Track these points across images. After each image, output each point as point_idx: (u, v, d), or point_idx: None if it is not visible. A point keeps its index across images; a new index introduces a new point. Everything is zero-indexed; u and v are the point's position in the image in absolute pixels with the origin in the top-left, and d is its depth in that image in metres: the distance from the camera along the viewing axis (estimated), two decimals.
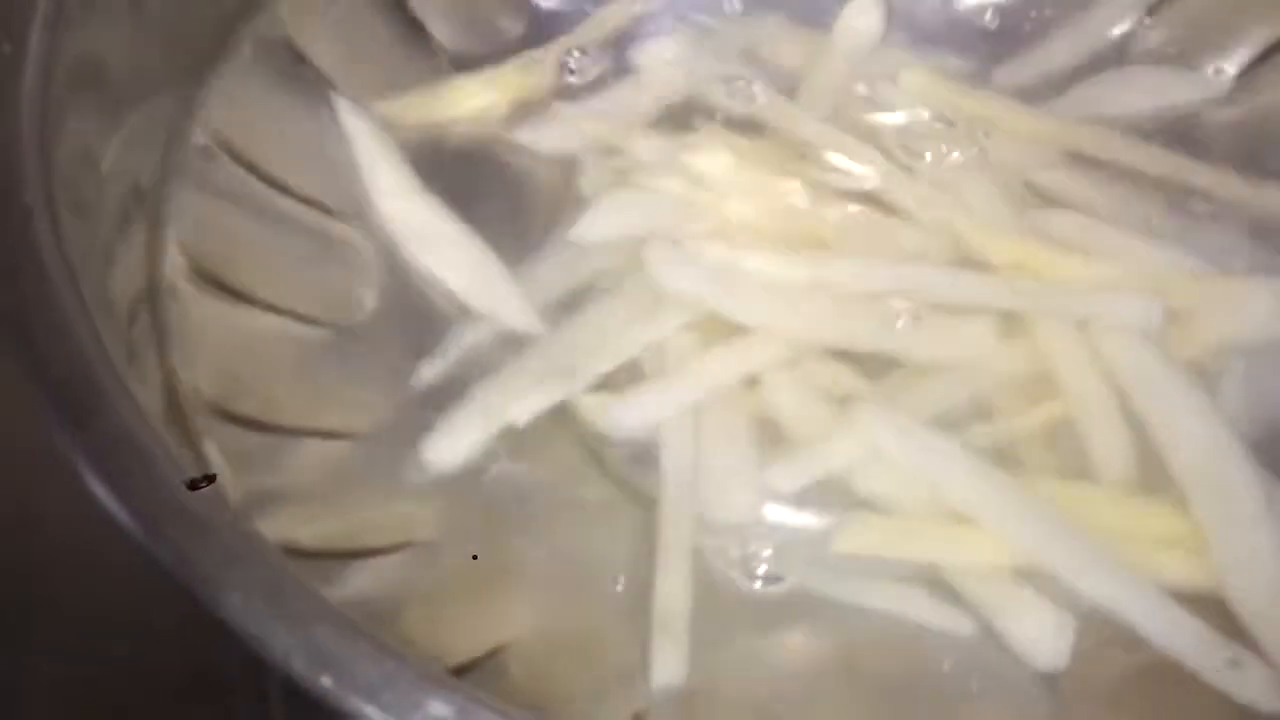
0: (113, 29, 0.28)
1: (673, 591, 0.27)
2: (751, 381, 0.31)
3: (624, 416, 0.30)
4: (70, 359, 0.20)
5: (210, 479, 0.31)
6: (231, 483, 0.24)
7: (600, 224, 0.33)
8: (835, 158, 0.35)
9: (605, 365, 0.31)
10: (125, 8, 0.28)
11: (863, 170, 0.34)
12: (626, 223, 0.33)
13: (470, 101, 0.36)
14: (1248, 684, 0.26)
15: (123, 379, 0.21)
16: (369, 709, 0.17)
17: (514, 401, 0.30)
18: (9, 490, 0.35)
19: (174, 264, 0.29)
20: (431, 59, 0.37)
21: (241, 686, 0.32)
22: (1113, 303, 0.31)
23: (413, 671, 0.18)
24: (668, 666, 0.26)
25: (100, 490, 0.19)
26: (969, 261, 0.33)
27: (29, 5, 0.25)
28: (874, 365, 0.31)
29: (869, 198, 0.34)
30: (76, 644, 0.33)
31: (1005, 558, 0.28)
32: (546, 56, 0.37)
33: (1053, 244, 0.33)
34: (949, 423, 0.30)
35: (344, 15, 0.36)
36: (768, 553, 0.29)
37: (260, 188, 0.33)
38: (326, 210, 0.33)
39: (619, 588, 0.29)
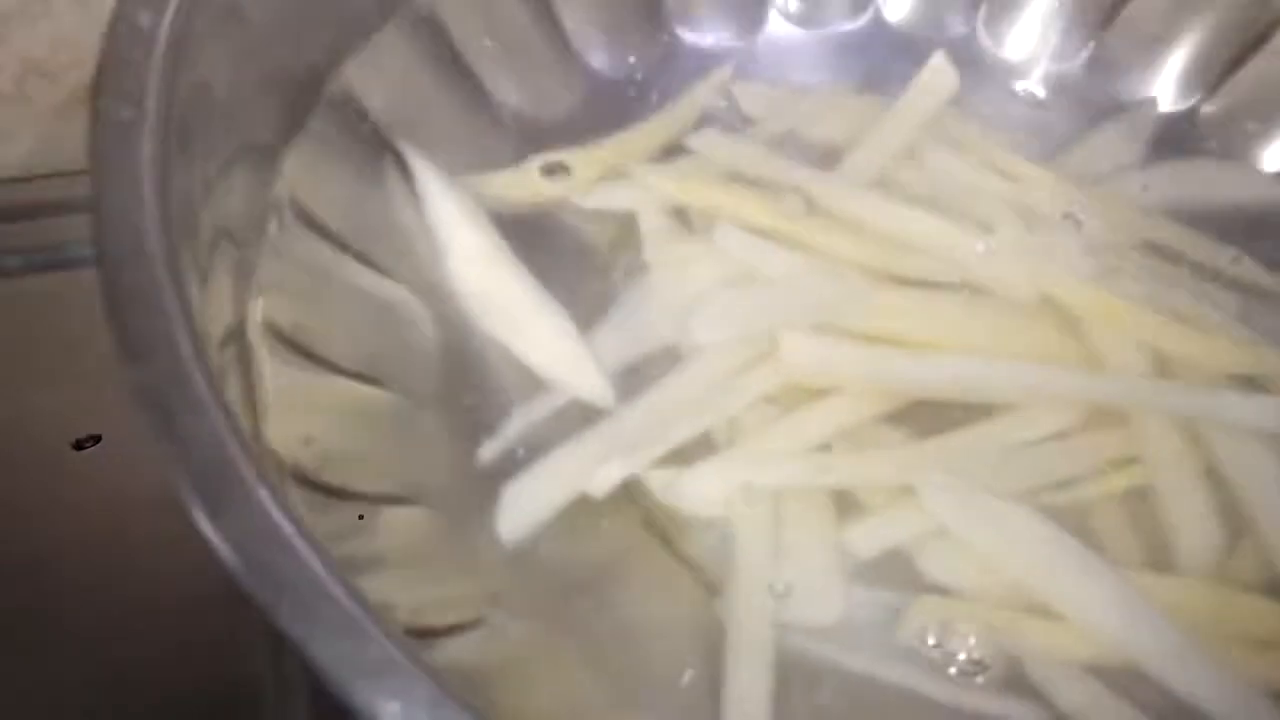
0: (209, 89, 0.27)
1: (750, 689, 0.27)
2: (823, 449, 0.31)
3: (695, 489, 0.30)
4: (208, 442, 0.20)
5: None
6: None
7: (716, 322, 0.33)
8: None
9: (679, 436, 0.31)
10: (226, 63, 0.28)
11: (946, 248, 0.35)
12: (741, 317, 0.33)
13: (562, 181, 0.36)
14: None
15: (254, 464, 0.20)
16: None
17: (587, 472, 0.30)
18: (15, 494, 0.35)
19: (252, 320, 0.29)
20: (492, 120, 0.37)
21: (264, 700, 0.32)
22: (1236, 404, 0.32)
23: None
24: None
25: (245, 579, 0.19)
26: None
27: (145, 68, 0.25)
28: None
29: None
30: (82, 653, 0.32)
31: (1086, 648, 0.28)
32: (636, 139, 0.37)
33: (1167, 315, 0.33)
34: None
35: (401, 72, 0.36)
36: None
37: (325, 247, 0.32)
38: (390, 274, 0.33)
39: (685, 681, 0.28)
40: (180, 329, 0.22)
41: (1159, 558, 0.30)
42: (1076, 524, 0.30)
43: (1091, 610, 0.28)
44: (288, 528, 0.20)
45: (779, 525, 0.30)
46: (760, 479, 0.30)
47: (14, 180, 0.44)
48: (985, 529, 0.29)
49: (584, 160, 0.36)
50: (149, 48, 0.25)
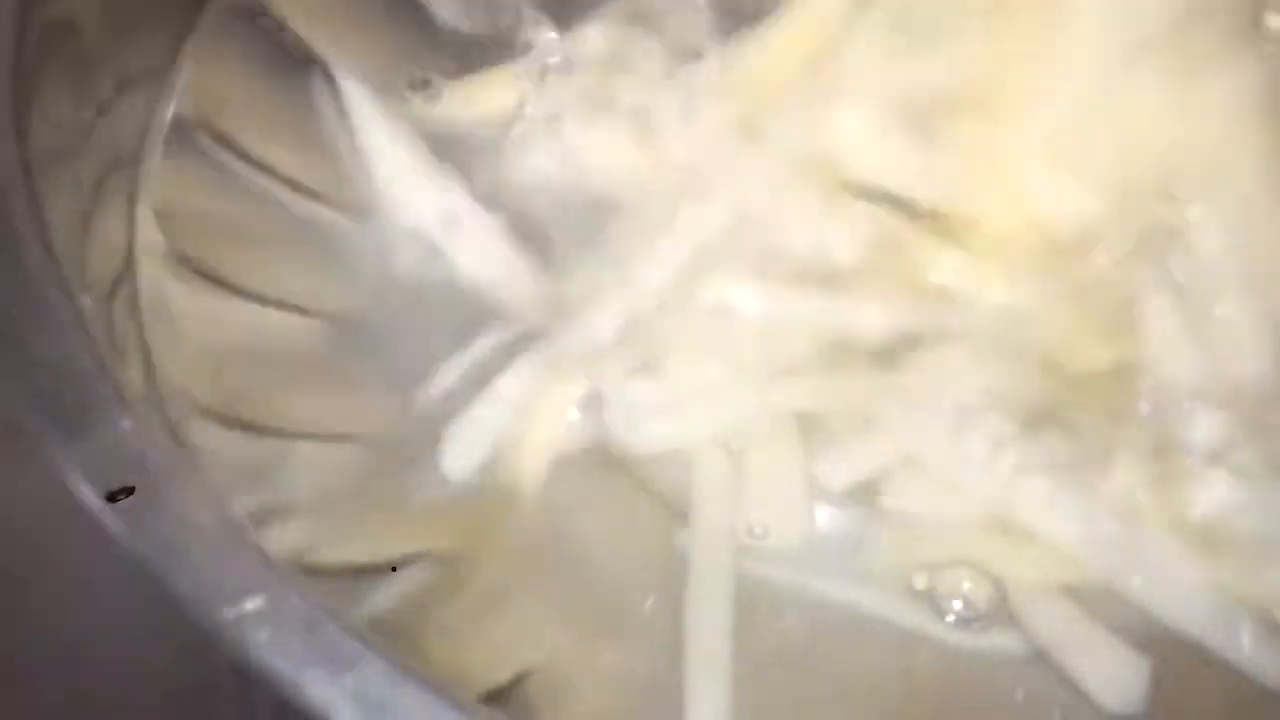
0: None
1: (711, 622, 0.25)
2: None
3: (657, 428, 0.28)
4: (61, 362, 0.18)
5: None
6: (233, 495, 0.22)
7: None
8: None
9: (627, 360, 0.28)
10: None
11: None
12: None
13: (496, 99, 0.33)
14: None
15: (117, 385, 0.18)
16: None
17: (535, 395, 0.28)
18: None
19: (151, 245, 0.27)
20: (427, 36, 0.35)
21: (229, 696, 0.29)
22: None
23: None
24: (711, 706, 0.24)
25: (105, 518, 0.17)
26: None
27: None
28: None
29: None
30: (63, 654, 0.30)
31: (1062, 571, 0.26)
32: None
33: None
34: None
35: None
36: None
37: (241, 166, 0.30)
38: (314, 194, 0.31)
39: (646, 608, 0.26)
40: (35, 253, 0.19)
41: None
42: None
43: (1065, 530, 0.26)
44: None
45: (742, 456, 0.28)
46: (721, 415, 0.28)
47: None
48: (951, 454, 0.27)
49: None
50: None
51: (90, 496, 0.17)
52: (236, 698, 0.29)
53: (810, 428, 0.28)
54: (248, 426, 0.25)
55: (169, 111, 0.28)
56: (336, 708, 0.16)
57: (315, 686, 0.16)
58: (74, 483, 0.17)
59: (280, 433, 0.26)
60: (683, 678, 0.25)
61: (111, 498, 0.19)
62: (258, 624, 0.16)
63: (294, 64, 0.32)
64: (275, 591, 0.16)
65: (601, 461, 0.28)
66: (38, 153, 0.22)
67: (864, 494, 0.27)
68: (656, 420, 0.28)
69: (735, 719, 0.24)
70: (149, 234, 0.26)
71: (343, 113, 0.31)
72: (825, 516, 0.27)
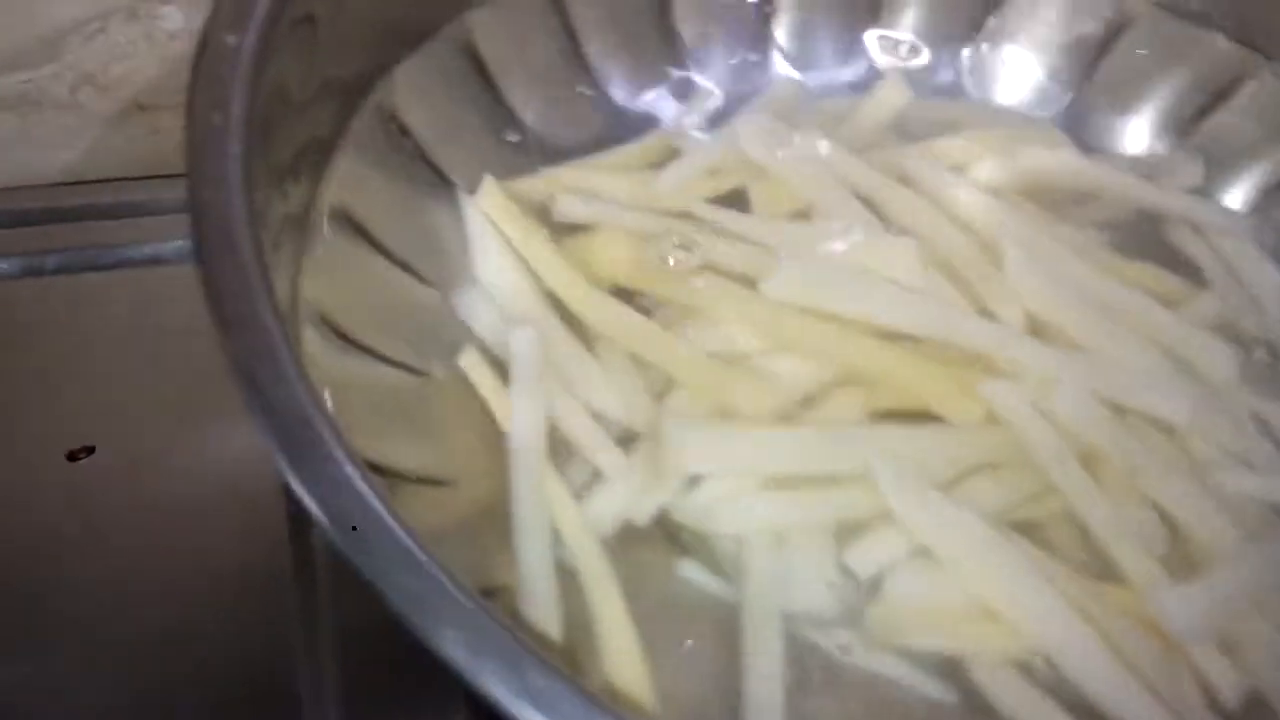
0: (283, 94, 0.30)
1: (768, 679, 0.30)
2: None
3: (723, 520, 0.33)
4: (293, 411, 0.23)
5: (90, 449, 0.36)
6: None
7: None
8: None
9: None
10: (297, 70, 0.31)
11: None
12: None
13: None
14: None
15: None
16: None
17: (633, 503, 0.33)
18: (15, 498, 0.37)
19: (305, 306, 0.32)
20: (519, 145, 0.41)
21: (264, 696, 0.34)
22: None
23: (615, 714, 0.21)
24: None
25: (324, 523, 0.22)
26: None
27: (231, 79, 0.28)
28: None
29: None
30: (79, 653, 0.34)
31: (1016, 645, 0.32)
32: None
33: None
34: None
35: (441, 94, 0.39)
36: None
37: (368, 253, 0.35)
38: (424, 278, 0.36)
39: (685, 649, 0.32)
40: (266, 311, 0.24)
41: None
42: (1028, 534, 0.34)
43: (1015, 605, 0.32)
44: (369, 493, 0.23)
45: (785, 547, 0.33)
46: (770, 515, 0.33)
47: (59, 185, 0.47)
48: (928, 521, 0.33)
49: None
50: (234, 61, 0.28)
51: (327, 525, 0.22)
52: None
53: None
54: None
55: (325, 191, 0.34)
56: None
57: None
58: (314, 516, 0.22)
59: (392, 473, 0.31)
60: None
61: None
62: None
63: (411, 165, 0.38)
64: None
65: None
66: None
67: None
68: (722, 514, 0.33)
69: None
70: (303, 293, 0.31)
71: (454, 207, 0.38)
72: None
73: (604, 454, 0.33)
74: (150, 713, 0.34)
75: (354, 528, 0.21)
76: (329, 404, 0.28)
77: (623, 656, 0.30)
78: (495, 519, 0.32)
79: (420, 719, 0.33)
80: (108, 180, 0.47)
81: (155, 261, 0.45)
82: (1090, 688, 0.31)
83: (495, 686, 0.21)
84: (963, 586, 0.32)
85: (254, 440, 0.38)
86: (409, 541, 0.22)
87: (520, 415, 0.33)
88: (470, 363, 0.35)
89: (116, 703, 0.33)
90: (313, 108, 0.33)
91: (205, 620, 0.35)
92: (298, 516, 0.36)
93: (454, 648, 0.21)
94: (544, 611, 0.30)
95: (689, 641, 0.32)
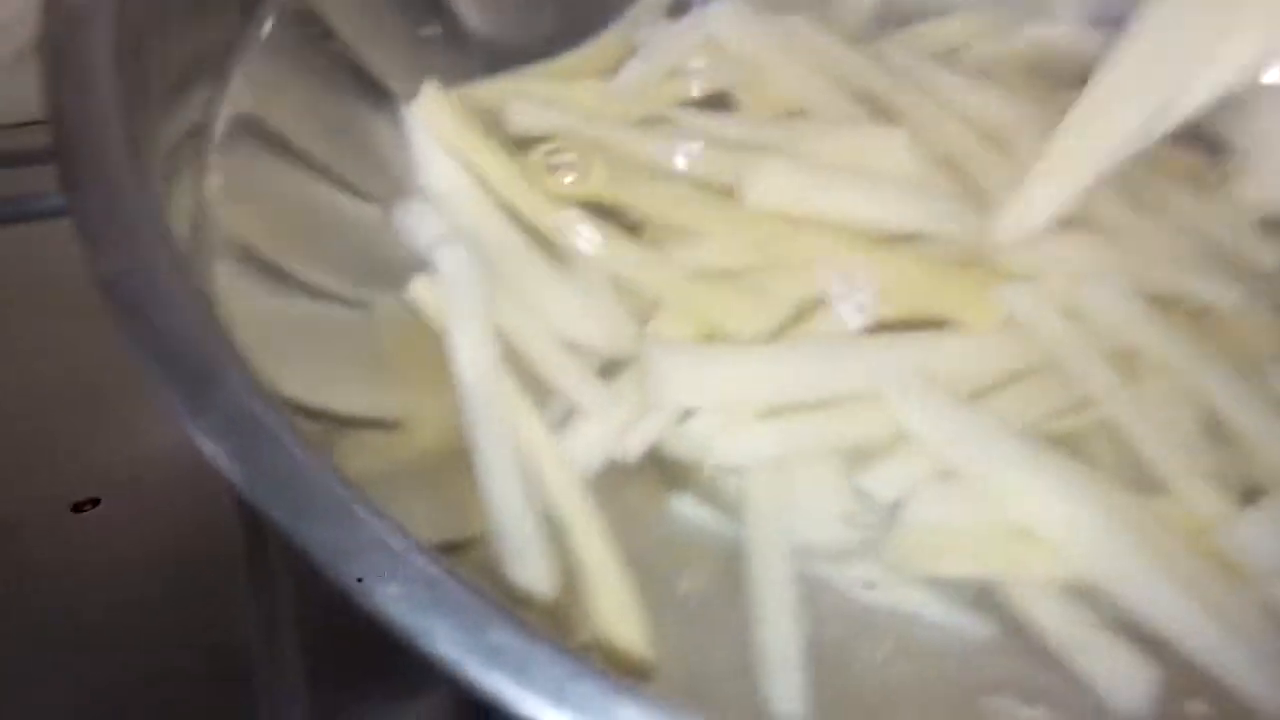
0: None
1: (782, 624, 0.27)
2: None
3: (723, 451, 0.29)
4: (187, 341, 0.19)
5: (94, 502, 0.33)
6: None
7: None
8: None
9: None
10: None
11: None
12: None
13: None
14: None
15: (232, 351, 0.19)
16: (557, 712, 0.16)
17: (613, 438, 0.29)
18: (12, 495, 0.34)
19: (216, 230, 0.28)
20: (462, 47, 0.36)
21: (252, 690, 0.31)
22: None
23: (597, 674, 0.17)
24: (791, 700, 0.26)
25: (226, 467, 0.18)
26: None
27: None
28: None
29: None
30: (30, 651, 0.32)
31: (1062, 570, 0.28)
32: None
33: None
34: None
35: None
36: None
37: (288, 167, 0.31)
38: (361, 194, 0.32)
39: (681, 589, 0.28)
40: (152, 239, 0.20)
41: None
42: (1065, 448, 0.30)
43: (1056, 523, 0.28)
44: (272, 416, 0.18)
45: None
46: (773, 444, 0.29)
47: None
48: (950, 437, 0.29)
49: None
50: None
51: (215, 452, 0.17)
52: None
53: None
54: (300, 409, 0.26)
55: (230, 102, 0.29)
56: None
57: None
58: (200, 442, 0.18)
59: (330, 417, 0.27)
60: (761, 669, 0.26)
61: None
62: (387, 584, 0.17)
63: (337, 69, 0.33)
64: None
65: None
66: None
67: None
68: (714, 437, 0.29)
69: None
70: (215, 217, 0.27)
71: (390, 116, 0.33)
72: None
73: (582, 387, 0.29)
74: (106, 709, 0.31)
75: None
76: (239, 339, 0.24)
77: (615, 608, 0.26)
78: (461, 464, 0.27)
79: (390, 703, 0.30)
80: (8, 127, 0.42)
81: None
82: (1147, 614, 0.27)
83: (448, 648, 0.16)
84: (994, 507, 0.28)
85: None
86: (335, 485, 0.18)
87: (464, 348, 0.29)
88: (419, 291, 0.30)
89: (72, 701, 0.31)
90: (208, 10, 0.28)
91: (156, 611, 0.32)
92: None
93: (395, 605, 0.17)
94: (526, 563, 0.26)
95: (686, 586, 0.28)
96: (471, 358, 0.28)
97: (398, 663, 0.29)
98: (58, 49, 0.23)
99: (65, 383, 0.37)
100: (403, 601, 0.17)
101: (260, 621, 0.31)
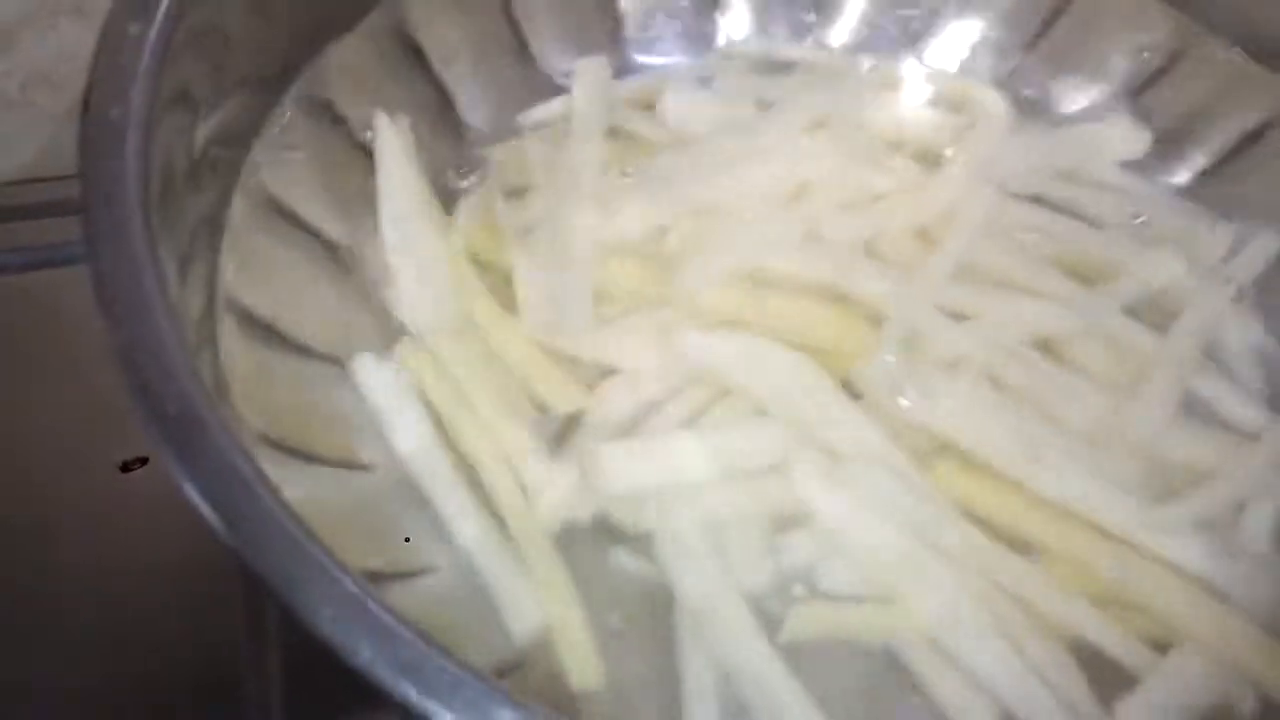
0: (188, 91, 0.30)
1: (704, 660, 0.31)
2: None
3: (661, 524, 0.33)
4: (176, 391, 0.23)
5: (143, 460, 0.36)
6: None
7: None
8: None
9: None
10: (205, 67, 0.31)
11: None
12: None
13: None
14: None
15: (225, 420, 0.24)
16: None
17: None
18: (16, 497, 0.37)
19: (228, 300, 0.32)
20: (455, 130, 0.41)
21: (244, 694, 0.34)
22: None
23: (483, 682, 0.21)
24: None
25: (207, 513, 0.22)
26: None
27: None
28: None
29: None
30: (79, 651, 0.35)
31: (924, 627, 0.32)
32: None
33: None
34: None
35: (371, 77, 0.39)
36: None
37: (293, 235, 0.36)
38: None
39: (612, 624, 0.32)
40: (158, 305, 0.25)
41: None
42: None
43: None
44: (246, 469, 0.23)
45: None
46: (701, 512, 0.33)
47: (17, 183, 0.47)
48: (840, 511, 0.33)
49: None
50: (136, 53, 0.28)
51: (202, 505, 0.22)
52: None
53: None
54: (295, 453, 0.31)
55: (245, 180, 0.34)
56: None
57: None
58: (189, 494, 0.22)
59: (321, 459, 0.32)
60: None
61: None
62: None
63: (344, 150, 0.38)
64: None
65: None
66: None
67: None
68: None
69: None
70: (228, 289, 0.31)
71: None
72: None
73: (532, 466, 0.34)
74: (94, 716, 0.34)
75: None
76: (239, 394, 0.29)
77: (572, 645, 0.31)
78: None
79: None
80: (63, 178, 0.47)
81: None
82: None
83: (370, 666, 0.21)
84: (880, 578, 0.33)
85: None
86: (290, 526, 0.22)
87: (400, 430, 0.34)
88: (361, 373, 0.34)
89: (60, 707, 0.34)
90: (228, 98, 0.33)
91: (147, 624, 0.35)
92: None
93: (329, 626, 0.21)
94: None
95: (616, 621, 0.32)
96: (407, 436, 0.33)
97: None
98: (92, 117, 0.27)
99: None
100: (335, 623, 0.21)
101: (249, 642, 0.35)
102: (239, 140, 0.34)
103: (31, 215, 0.46)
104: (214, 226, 0.32)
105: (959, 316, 0.37)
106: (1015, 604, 0.32)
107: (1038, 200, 0.41)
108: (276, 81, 0.36)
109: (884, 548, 0.32)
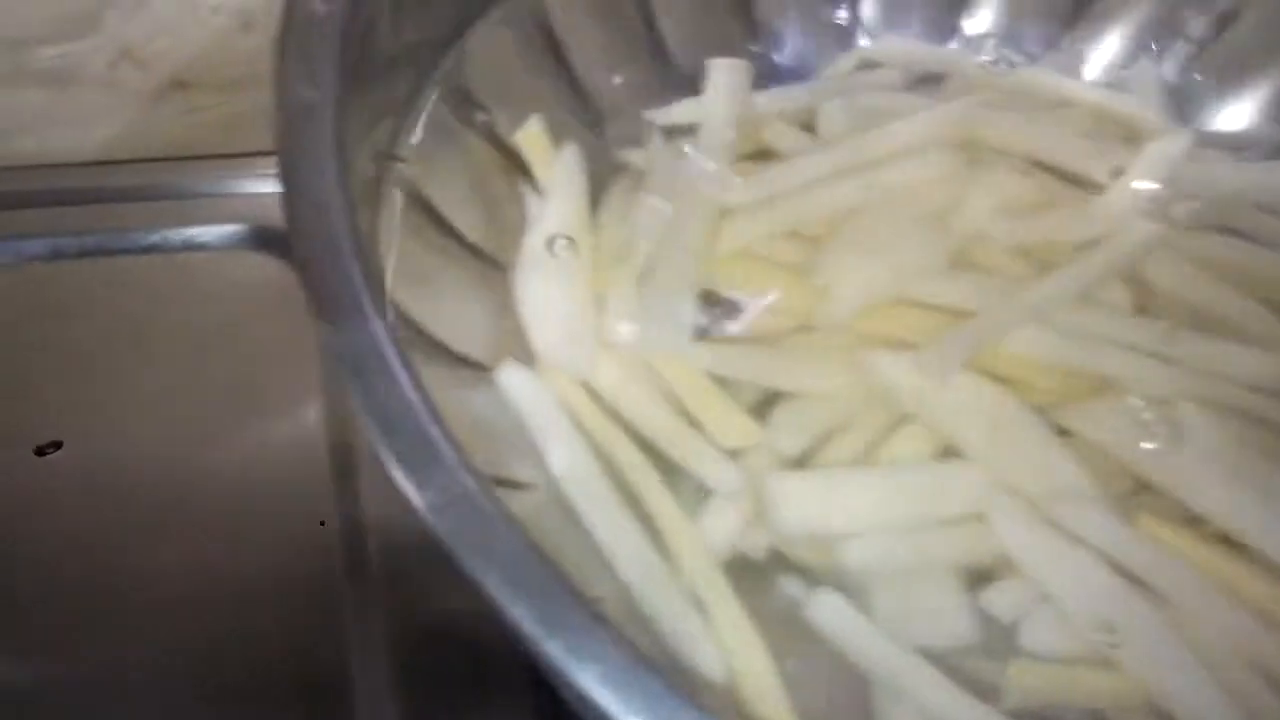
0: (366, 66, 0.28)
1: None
2: None
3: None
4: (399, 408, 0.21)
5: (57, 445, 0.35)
6: None
7: None
8: None
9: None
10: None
11: None
12: None
13: None
14: None
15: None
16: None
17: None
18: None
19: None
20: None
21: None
22: None
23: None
24: None
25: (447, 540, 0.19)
26: None
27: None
28: None
29: None
30: (135, 653, 0.33)
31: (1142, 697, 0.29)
32: None
33: None
34: None
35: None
36: None
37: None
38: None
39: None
40: (367, 301, 0.22)
41: None
42: None
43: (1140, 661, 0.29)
44: (477, 490, 0.20)
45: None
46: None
47: (93, 164, 0.44)
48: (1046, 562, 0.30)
49: None
50: (324, 31, 0.25)
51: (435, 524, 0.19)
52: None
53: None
54: None
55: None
56: None
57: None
58: (422, 515, 0.20)
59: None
60: None
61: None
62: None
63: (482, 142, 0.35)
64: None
65: None
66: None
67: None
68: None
69: None
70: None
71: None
72: None
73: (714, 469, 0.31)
74: (205, 714, 0.32)
75: None
76: None
77: (762, 690, 0.28)
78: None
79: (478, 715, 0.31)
80: (142, 160, 0.44)
81: (189, 247, 0.43)
82: None
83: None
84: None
85: (302, 431, 0.38)
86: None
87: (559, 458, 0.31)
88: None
89: (174, 702, 0.32)
90: (390, 77, 0.30)
91: (257, 619, 0.33)
92: (350, 515, 0.35)
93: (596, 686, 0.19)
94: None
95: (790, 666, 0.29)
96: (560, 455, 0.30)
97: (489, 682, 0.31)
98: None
99: None
100: (602, 682, 0.18)
101: (357, 633, 0.33)
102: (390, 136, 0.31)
103: (105, 199, 0.44)
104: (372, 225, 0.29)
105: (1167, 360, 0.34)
106: (1252, 672, 0.29)
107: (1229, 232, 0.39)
108: (421, 71, 0.33)
109: (1099, 600, 0.30)
